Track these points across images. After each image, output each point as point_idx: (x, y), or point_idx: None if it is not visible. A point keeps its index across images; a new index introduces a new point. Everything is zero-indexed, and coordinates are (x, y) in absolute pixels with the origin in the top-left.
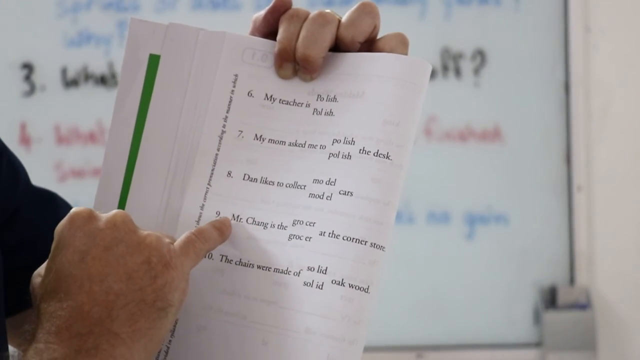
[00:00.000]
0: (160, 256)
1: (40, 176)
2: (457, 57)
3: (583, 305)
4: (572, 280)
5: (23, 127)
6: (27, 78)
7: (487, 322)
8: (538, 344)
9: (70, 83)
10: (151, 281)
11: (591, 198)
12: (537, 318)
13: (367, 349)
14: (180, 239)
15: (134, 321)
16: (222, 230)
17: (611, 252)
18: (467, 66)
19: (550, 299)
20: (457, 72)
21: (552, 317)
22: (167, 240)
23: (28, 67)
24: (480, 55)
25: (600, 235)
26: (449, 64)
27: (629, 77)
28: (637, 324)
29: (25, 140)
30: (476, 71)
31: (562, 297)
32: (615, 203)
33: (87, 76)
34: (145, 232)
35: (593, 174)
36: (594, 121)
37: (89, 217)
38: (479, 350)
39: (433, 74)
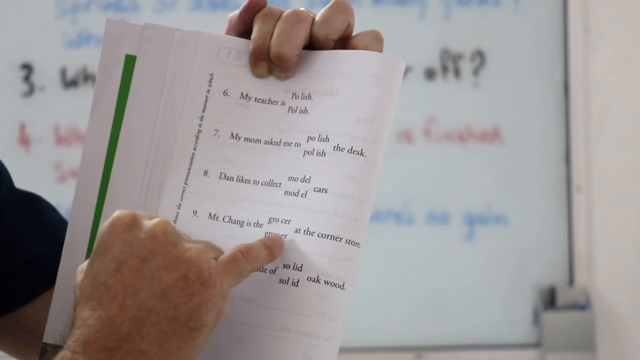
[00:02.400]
0: (199, 273)
1: (39, 177)
2: (456, 57)
3: (582, 305)
4: (571, 281)
5: (22, 128)
6: (27, 78)
7: (486, 323)
8: (537, 345)
9: (70, 83)
10: (186, 299)
11: (590, 198)
12: (536, 318)
13: (367, 350)
14: (225, 255)
15: (164, 340)
16: (272, 249)
17: (611, 253)
18: (466, 67)
19: (550, 299)
20: (457, 72)
21: (551, 318)
22: (211, 254)
23: (27, 68)
24: (480, 56)
25: (600, 235)
26: (449, 64)
27: (628, 78)
28: (637, 324)
29: (24, 140)
30: (475, 72)
31: (562, 298)
32: (615, 203)
33: (87, 77)
34: (187, 245)
35: (592, 175)
36: (593, 122)
37: (131, 223)
38: (478, 351)
39: (432, 75)
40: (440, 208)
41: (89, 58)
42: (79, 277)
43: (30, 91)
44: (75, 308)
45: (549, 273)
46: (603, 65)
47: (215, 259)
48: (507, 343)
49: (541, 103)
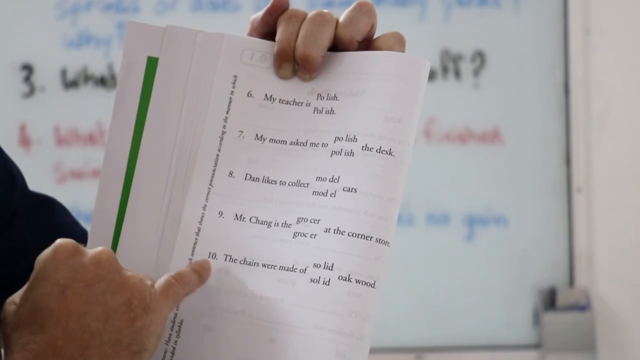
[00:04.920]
0: (142, 299)
1: (39, 177)
2: (456, 58)
3: (582, 306)
4: (571, 282)
5: (23, 129)
6: (27, 79)
7: (486, 324)
8: (537, 346)
9: (70, 84)
10: (129, 323)
11: (591, 199)
12: (536, 319)
13: None
14: (160, 282)
15: None
16: (201, 274)
17: (611, 254)
18: (466, 68)
19: (550, 300)
20: (457, 73)
21: (551, 319)
22: (149, 282)
23: (28, 69)
24: (480, 57)
25: (600, 236)
26: (449, 65)
27: (628, 79)
28: (637, 325)
29: (24, 141)
30: (476, 73)
31: (562, 299)
32: (615, 204)
33: (87, 77)
34: (129, 273)
35: (593, 175)
36: (593, 122)
37: (74, 251)
38: (478, 352)
39: (433, 76)
40: (440, 209)
41: (89, 59)
42: (11, 307)
43: (31, 92)
44: (9, 337)
45: (549, 274)
46: (603, 66)
47: (153, 287)
48: (507, 344)
49: (541, 104)
